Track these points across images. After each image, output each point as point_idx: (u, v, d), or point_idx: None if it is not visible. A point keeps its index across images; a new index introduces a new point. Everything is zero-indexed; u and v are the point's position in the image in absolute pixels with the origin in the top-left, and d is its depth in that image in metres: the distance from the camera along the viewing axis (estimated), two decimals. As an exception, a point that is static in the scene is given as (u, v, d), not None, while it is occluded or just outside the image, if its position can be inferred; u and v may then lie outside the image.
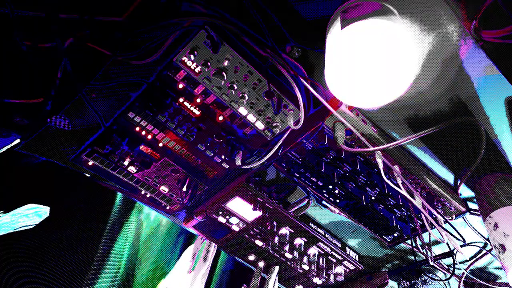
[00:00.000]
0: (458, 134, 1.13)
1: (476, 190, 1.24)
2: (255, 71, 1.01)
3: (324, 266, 1.49)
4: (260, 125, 1.13)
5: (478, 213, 1.23)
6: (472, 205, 1.28)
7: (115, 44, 0.98)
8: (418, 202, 1.15)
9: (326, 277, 1.51)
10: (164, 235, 1.80)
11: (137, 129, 1.14)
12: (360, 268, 1.53)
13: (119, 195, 1.69)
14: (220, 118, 1.11)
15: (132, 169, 1.23)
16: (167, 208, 1.37)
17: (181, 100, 1.08)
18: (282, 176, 1.36)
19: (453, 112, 1.08)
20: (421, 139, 1.16)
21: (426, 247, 1.33)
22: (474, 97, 1.04)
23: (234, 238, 1.46)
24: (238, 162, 1.17)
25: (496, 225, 1.12)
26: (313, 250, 1.47)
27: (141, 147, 1.18)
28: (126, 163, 1.20)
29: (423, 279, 1.61)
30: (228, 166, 1.25)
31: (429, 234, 1.24)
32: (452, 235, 1.31)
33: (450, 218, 1.23)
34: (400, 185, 1.11)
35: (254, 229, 1.42)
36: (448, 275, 1.50)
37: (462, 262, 1.54)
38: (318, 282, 1.59)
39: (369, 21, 0.81)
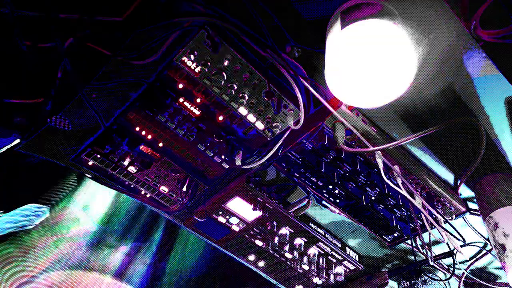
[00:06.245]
0: (458, 134, 1.13)
1: (476, 190, 1.24)
2: (255, 71, 1.01)
3: (324, 266, 1.49)
4: (260, 125, 1.13)
5: (478, 213, 1.23)
6: (472, 205, 1.28)
7: (115, 44, 0.98)
8: (418, 202, 1.15)
9: (326, 277, 1.51)
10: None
11: (137, 129, 1.14)
12: (360, 268, 1.53)
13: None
14: (220, 118, 1.11)
15: (132, 169, 1.22)
16: (167, 208, 1.37)
17: (181, 100, 1.07)
18: (282, 176, 1.36)
19: (453, 112, 1.08)
20: (421, 139, 1.16)
21: (426, 247, 1.33)
22: (474, 97, 1.04)
23: (234, 238, 1.46)
24: (238, 162, 1.17)
25: (496, 225, 1.12)
26: (313, 250, 1.46)
27: (141, 147, 1.18)
28: (126, 163, 1.20)
29: (423, 279, 1.61)
30: (228, 166, 1.25)
31: (429, 234, 1.24)
32: (452, 235, 1.31)
33: (450, 218, 1.23)
34: (400, 185, 1.11)
35: (254, 229, 1.42)
36: (448, 275, 1.50)
37: (462, 262, 1.54)
38: (318, 282, 1.59)
39: (369, 21, 0.81)
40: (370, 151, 1.10)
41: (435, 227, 1.20)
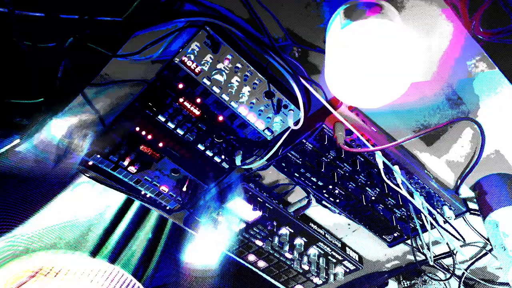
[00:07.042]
0: (458, 134, 1.13)
1: (476, 190, 1.24)
2: (255, 71, 1.02)
3: (324, 266, 1.49)
4: (260, 125, 1.13)
5: (478, 213, 1.23)
6: (472, 205, 1.28)
7: (115, 44, 0.98)
8: (418, 202, 1.15)
9: (326, 277, 1.51)
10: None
11: (137, 129, 1.14)
12: (360, 268, 1.53)
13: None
14: (220, 118, 1.11)
15: (132, 169, 1.22)
16: (167, 208, 1.37)
17: (181, 100, 1.08)
18: (282, 176, 1.36)
19: (453, 111, 1.08)
20: (421, 139, 1.16)
21: (426, 247, 1.33)
22: (474, 96, 1.04)
23: (234, 238, 1.46)
24: (238, 162, 1.17)
25: (496, 225, 1.12)
26: (313, 250, 1.46)
27: (141, 147, 1.18)
28: (126, 163, 1.20)
29: (423, 279, 1.61)
30: (228, 166, 1.25)
31: (429, 234, 1.24)
32: (452, 235, 1.31)
33: (450, 218, 1.23)
34: (400, 185, 1.11)
35: (254, 229, 1.42)
36: (448, 275, 1.50)
37: (462, 262, 1.54)
38: (318, 282, 1.59)
39: (369, 21, 0.81)
40: (370, 151, 1.10)
41: (435, 227, 1.20)
